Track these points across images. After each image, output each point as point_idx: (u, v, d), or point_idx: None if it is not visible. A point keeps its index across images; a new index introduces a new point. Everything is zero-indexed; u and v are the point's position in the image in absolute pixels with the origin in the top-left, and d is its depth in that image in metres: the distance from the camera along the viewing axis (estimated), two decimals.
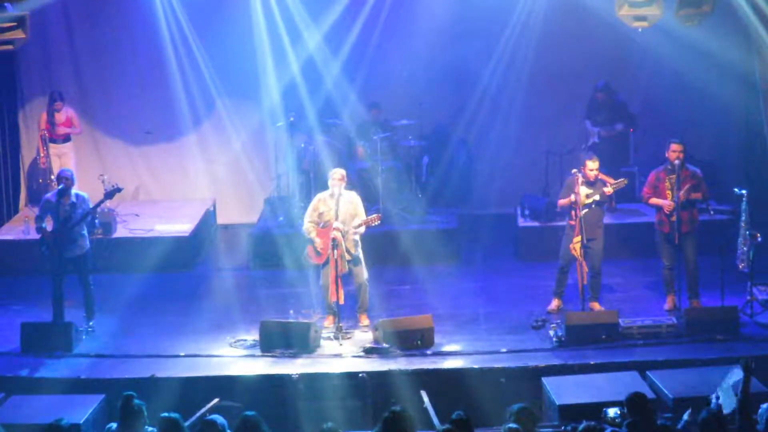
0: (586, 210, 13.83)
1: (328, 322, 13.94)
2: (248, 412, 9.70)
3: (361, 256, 13.97)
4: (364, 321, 14.07)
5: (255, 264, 16.65)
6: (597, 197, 13.87)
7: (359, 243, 13.95)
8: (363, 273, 14.00)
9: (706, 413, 9.50)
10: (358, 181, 16.72)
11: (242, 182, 18.65)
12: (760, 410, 9.69)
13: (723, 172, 17.12)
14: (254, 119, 18.39)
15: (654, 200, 14.06)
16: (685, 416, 9.78)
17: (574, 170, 13.97)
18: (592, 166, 13.94)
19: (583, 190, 13.88)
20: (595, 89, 17.10)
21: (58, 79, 18.26)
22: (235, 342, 13.67)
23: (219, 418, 9.69)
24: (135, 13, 18.03)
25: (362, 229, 13.85)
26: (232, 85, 18.22)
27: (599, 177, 14.00)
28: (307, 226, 13.91)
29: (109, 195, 14.40)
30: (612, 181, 14.06)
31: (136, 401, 9.99)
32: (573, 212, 13.97)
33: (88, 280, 14.16)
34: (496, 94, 17.91)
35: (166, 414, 9.70)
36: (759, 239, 13.88)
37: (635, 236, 16.18)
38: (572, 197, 13.86)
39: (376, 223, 13.97)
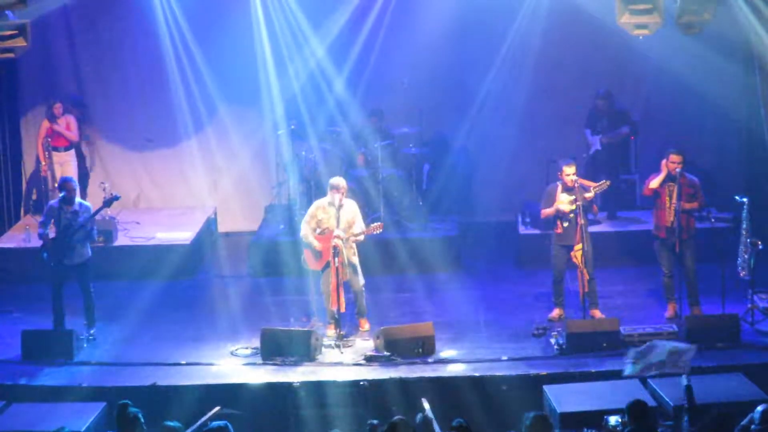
0: (572, 216, 13.86)
1: (330, 330, 13.94)
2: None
3: (358, 263, 14.01)
4: (365, 325, 14.13)
5: (256, 272, 16.65)
6: (580, 202, 13.88)
7: (356, 250, 13.99)
8: (360, 279, 14.03)
9: (711, 417, 9.53)
10: (358, 189, 16.72)
11: (243, 190, 18.67)
12: (755, 412, 9.71)
13: (724, 180, 17.12)
14: (255, 127, 18.40)
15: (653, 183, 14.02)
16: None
17: (560, 180, 13.98)
18: (568, 170, 13.95)
19: (565, 197, 13.92)
20: (597, 96, 17.09)
21: (59, 86, 18.29)
22: (236, 350, 13.68)
23: (228, 425, 9.68)
24: (136, 20, 18.05)
25: (362, 237, 13.90)
26: (232, 93, 18.23)
27: (579, 182, 14.01)
28: (305, 231, 13.94)
29: (107, 204, 14.44)
30: (593, 184, 14.07)
31: (132, 409, 10.03)
32: (558, 220, 14.01)
33: (88, 287, 14.16)
34: (496, 102, 17.92)
35: (169, 423, 9.70)
36: (760, 247, 13.88)
37: (635, 244, 16.19)
38: (556, 208, 13.90)
39: (378, 232, 14.03)
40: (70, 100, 18.01)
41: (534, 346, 13.59)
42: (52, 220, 14.03)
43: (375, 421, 10.11)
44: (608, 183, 14.20)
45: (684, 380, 10.18)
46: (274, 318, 14.67)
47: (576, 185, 13.87)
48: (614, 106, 17.15)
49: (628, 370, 11.59)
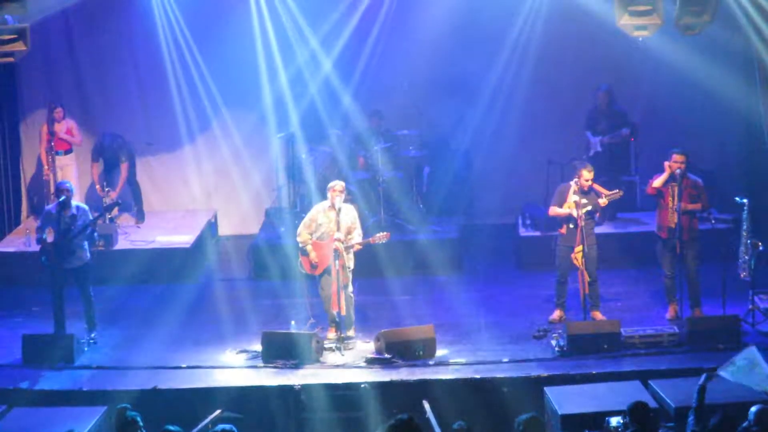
0: (583, 212, 13.88)
1: (331, 333, 13.93)
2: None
3: (352, 269, 14.00)
4: (350, 334, 14.04)
5: (256, 275, 16.65)
6: (590, 207, 13.90)
7: (353, 256, 13.98)
8: (349, 285, 13.98)
9: (717, 419, 9.53)
10: (359, 192, 16.73)
11: (243, 193, 18.65)
12: (749, 412, 9.71)
13: (724, 181, 17.11)
14: (255, 130, 18.40)
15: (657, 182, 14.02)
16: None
17: (574, 180, 14.03)
18: (587, 175, 13.97)
19: (575, 199, 13.91)
20: (597, 90, 17.03)
21: (59, 90, 18.28)
22: (237, 353, 13.67)
23: (234, 429, 9.66)
24: (135, 24, 18.08)
25: (360, 246, 13.90)
26: (232, 96, 18.24)
27: (593, 187, 14.04)
28: (305, 237, 13.90)
29: (108, 209, 14.44)
30: (606, 192, 14.08)
31: (130, 413, 10.03)
32: (563, 222, 14.04)
33: (88, 291, 14.16)
34: (496, 104, 17.91)
35: (169, 427, 9.70)
36: (760, 248, 13.89)
37: (636, 245, 16.19)
38: (568, 207, 13.91)
39: (384, 241, 14.00)
40: (108, 141, 17.85)
41: (535, 348, 13.59)
42: (49, 226, 14.00)
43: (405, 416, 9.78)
44: (620, 192, 14.24)
45: (702, 379, 10.16)
46: (275, 321, 14.67)
47: (590, 190, 13.94)
48: (614, 105, 17.15)
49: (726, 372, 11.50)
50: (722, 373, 11.68)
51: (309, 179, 17.05)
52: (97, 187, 17.62)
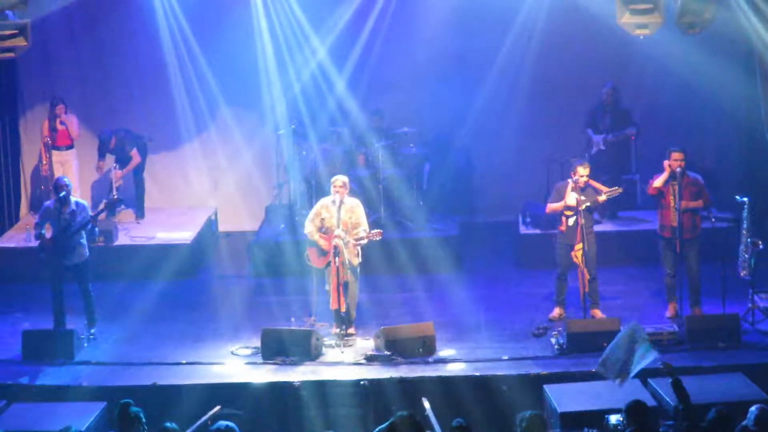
0: (576, 216, 13.88)
1: (332, 329, 13.92)
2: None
3: (357, 268, 13.98)
4: (350, 331, 14.01)
5: (256, 272, 16.65)
6: (588, 204, 13.90)
7: (360, 254, 13.96)
8: (354, 287, 13.97)
9: (714, 413, 9.53)
10: (359, 189, 16.72)
11: (244, 190, 18.66)
12: (749, 412, 9.70)
13: (724, 180, 17.12)
14: (256, 127, 18.40)
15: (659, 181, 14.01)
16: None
17: (572, 178, 14.03)
18: (583, 172, 13.97)
19: (574, 196, 13.92)
20: (604, 87, 16.97)
21: (60, 86, 18.25)
22: (236, 350, 13.68)
23: (234, 427, 9.65)
24: (137, 20, 18.05)
25: (364, 242, 13.86)
26: (233, 93, 18.24)
27: (590, 183, 14.03)
28: (310, 229, 13.91)
29: (111, 205, 14.43)
30: (606, 189, 14.08)
31: (133, 408, 10.01)
32: (563, 218, 14.03)
33: (88, 287, 14.16)
34: (497, 101, 17.92)
35: (167, 425, 9.69)
36: (760, 247, 13.88)
37: (636, 244, 16.21)
38: (565, 203, 13.91)
39: (377, 239, 13.95)
40: (105, 136, 17.82)
41: (534, 346, 13.59)
42: (48, 222, 13.97)
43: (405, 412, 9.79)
44: (620, 190, 14.26)
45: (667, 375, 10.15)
46: (275, 318, 14.66)
47: (586, 187, 13.94)
48: (619, 102, 17.14)
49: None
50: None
51: (309, 176, 17.04)
52: (100, 162, 17.62)
